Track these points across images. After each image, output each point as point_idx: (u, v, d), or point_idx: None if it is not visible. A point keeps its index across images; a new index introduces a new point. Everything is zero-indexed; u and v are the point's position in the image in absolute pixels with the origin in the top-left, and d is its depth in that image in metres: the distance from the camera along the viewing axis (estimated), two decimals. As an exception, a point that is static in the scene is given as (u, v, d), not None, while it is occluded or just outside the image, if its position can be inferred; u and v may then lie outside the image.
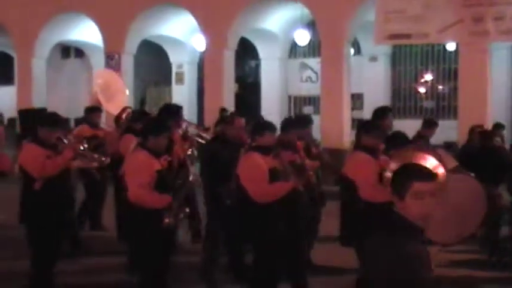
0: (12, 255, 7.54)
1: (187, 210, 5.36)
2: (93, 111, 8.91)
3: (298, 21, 16.93)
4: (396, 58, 17.49)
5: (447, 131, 13.89)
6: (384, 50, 16.99)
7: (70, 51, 22.00)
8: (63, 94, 19.81)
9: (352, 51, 15.78)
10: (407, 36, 13.17)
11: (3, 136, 13.48)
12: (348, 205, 5.49)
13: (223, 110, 12.39)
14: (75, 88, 20.98)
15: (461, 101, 13.18)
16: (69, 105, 19.48)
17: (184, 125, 7.08)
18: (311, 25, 16.18)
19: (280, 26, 17.49)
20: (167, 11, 16.76)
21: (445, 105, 16.33)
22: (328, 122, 13.83)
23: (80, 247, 7.76)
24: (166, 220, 5.06)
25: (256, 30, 17.26)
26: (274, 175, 5.27)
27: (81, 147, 6.21)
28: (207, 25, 15.78)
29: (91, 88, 16.24)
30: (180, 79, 19.69)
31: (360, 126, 5.95)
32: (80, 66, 21.67)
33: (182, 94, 19.40)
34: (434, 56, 16.64)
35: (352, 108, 15.26)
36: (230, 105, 15.55)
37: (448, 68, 16.41)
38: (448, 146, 12.98)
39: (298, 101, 18.82)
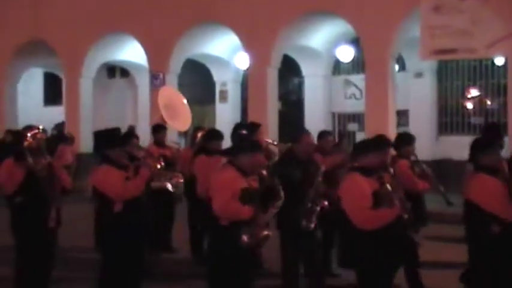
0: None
1: (268, 233, 5.06)
2: (159, 130, 8.85)
3: (341, 38, 17.02)
4: (442, 74, 17.29)
5: (496, 147, 13.70)
6: (429, 66, 16.83)
7: (116, 71, 22.45)
8: (109, 113, 20.21)
9: (397, 67, 15.74)
10: (454, 51, 13.07)
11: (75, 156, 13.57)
12: (474, 231, 5.12)
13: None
14: (121, 107, 21.44)
15: (510, 117, 12.99)
16: (115, 124, 19.82)
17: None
18: (355, 41, 16.23)
19: (323, 43, 17.54)
20: (210, 29, 17.04)
21: (494, 121, 16.07)
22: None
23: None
24: (245, 238, 4.90)
25: (299, 48, 17.35)
26: (377, 199, 4.88)
27: (158, 166, 6.15)
28: (250, 43, 16.01)
29: (152, 107, 16.65)
30: (223, 97, 19.88)
31: (474, 145, 5.52)
32: (125, 86, 22.10)
33: (226, 112, 19.59)
34: (482, 71, 16.41)
35: (398, 125, 15.18)
36: (274, 123, 15.72)
37: (496, 83, 16.16)
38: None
39: (342, 118, 18.79)
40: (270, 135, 12.62)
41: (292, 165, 6.18)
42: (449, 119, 17.17)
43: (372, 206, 4.82)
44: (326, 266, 7.38)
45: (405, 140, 7.01)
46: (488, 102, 16.56)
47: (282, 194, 5.22)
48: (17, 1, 19.68)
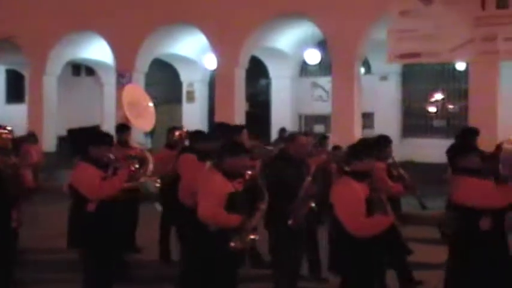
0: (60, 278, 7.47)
1: (255, 237, 5.06)
2: (123, 129, 8.64)
3: (308, 41, 17.15)
4: (407, 77, 17.65)
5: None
6: (394, 69, 17.15)
7: (81, 69, 22.23)
8: (74, 112, 19.98)
9: (362, 70, 15.96)
10: (418, 55, 13.33)
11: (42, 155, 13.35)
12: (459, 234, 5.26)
13: (282, 130, 12.65)
14: (86, 106, 21.15)
15: (471, 120, 13.26)
16: (79, 123, 19.64)
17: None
18: (322, 44, 16.39)
19: (290, 45, 17.68)
20: (178, 29, 17.01)
21: (455, 124, 16.48)
22: (340, 141, 13.94)
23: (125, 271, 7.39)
24: (233, 244, 4.90)
25: (267, 49, 17.45)
26: (370, 206, 4.82)
27: (133, 168, 6.10)
28: (218, 44, 15.99)
29: (118, 106, 16.53)
30: (191, 98, 19.89)
31: (454, 150, 5.71)
32: (91, 84, 21.89)
33: (193, 112, 19.60)
34: (445, 75, 16.80)
35: (363, 127, 15.41)
36: (241, 124, 15.74)
37: (458, 88, 16.56)
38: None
39: (309, 120, 18.99)
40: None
41: (286, 165, 6.20)
42: (413, 121, 17.51)
43: (366, 213, 4.77)
44: (313, 269, 7.38)
45: (382, 142, 7.08)
46: (450, 106, 16.98)
47: (265, 194, 5.22)
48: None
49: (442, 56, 13.24)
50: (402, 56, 13.70)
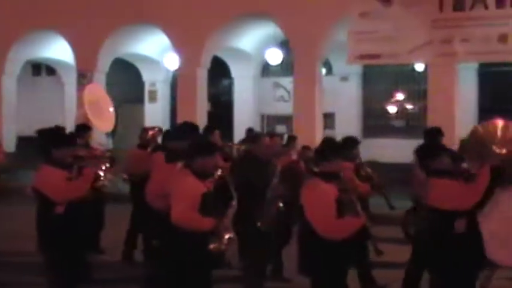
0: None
1: (231, 235, 5.00)
2: (83, 130, 8.50)
3: (270, 41, 17.21)
4: (367, 78, 17.81)
5: (417, 149, 14.22)
6: (355, 70, 17.28)
7: (41, 68, 21.92)
8: (34, 112, 19.71)
9: (324, 71, 16.06)
10: (378, 56, 13.45)
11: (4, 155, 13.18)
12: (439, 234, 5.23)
13: (250, 130, 12.60)
14: (47, 106, 20.87)
15: (429, 120, 13.39)
16: (40, 123, 19.35)
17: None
18: (284, 44, 16.44)
19: (252, 45, 17.69)
20: (140, 29, 16.88)
21: (414, 125, 16.69)
22: (301, 141, 13.98)
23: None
24: (212, 246, 4.86)
25: (229, 49, 17.43)
26: (340, 207, 4.74)
27: (104, 167, 6.03)
28: (180, 44, 15.93)
29: (77, 105, 16.34)
30: (153, 97, 19.78)
31: (422, 152, 5.73)
32: (52, 84, 21.58)
33: (155, 112, 19.48)
34: (405, 76, 16.99)
35: (324, 127, 15.50)
36: (203, 124, 15.54)
37: (417, 88, 16.76)
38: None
39: (271, 120, 19.02)
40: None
41: (252, 165, 6.21)
42: (374, 122, 17.68)
43: (337, 215, 4.71)
44: (277, 269, 7.39)
45: (350, 143, 7.14)
46: (410, 107, 17.19)
47: (234, 193, 5.21)
48: None
49: (401, 57, 13.37)
50: (362, 57, 13.81)
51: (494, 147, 5.34)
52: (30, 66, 20.87)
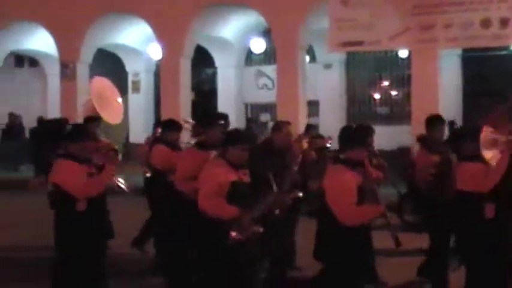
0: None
1: (258, 229, 4.89)
2: (91, 121, 8.13)
3: (253, 29, 17.08)
4: (350, 65, 17.71)
5: (400, 136, 14.14)
6: (338, 58, 17.20)
7: (24, 60, 21.69)
8: (17, 103, 19.50)
9: (308, 58, 15.93)
10: (360, 43, 13.35)
11: None
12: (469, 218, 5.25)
13: (250, 120, 12.26)
14: (29, 97, 20.70)
15: (414, 106, 13.41)
16: (22, 114, 19.20)
17: None
18: (266, 33, 16.30)
19: (235, 33, 17.56)
20: (122, 19, 16.71)
21: (398, 111, 16.61)
22: (284, 129, 13.91)
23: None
24: (233, 234, 4.77)
25: (211, 38, 17.30)
26: (361, 194, 4.79)
27: (117, 161, 5.88)
28: (162, 33, 15.76)
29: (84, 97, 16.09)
30: (136, 88, 19.60)
31: (460, 134, 5.70)
32: (34, 76, 21.38)
33: (139, 103, 19.35)
34: (388, 63, 16.90)
35: (308, 115, 15.38)
36: (187, 113, 15.47)
37: (401, 75, 16.67)
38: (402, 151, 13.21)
39: (254, 109, 18.90)
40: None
41: (270, 154, 6.12)
42: (358, 109, 17.60)
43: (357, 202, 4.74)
44: (289, 257, 7.23)
45: (366, 131, 6.91)
46: (394, 93, 17.11)
47: (274, 188, 5.18)
48: None
49: (382, 44, 13.28)
50: (344, 45, 13.70)
51: None
52: (12, 57, 20.63)
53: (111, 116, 8.69)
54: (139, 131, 18.19)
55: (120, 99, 8.99)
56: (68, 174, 5.29)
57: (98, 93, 8.71)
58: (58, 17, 16.64)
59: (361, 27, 13.09)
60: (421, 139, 6.59)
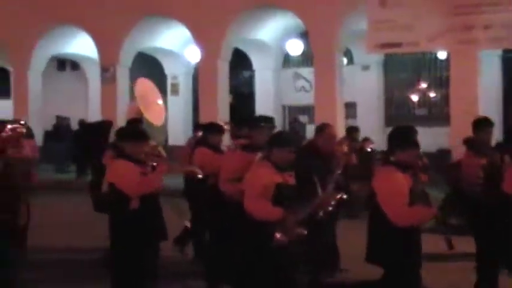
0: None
1: (303, 231, 4.83)
2: (135, 123, 8.08)
3: (291, 32, 17.11)
4: (388, 67, 17.62)
5: (439, 138, 13.98)
6: (376, 59, 17.12)
7: (66, 64, 22.11)
8: (60, 106, 19.88)
9: (345, 60, 15.89)
10: (398, 45, 13.33)
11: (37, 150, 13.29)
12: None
13: (294, 121, 12.17)
14: (71, 100, 21.07)
15: (453, 108, 13.30)
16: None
17: None
18: (304, 35, 16.31)
19: (273, 36, 17.61)
20: (161, 23, 16.93)
21: (436, 112, 16.45)
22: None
23: None
24: (278, 236, 4.72)
25: (249, 41, 17.39)
26: (412, 196, 4.73)
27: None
28: (200, 36, 15.92)
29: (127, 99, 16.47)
30: (175, 90, 19.77)
31: None
32: (76, 79, 21.78)
33: (177, 105, 19.50)
34: (426, 64, 16.76)
35: (346, 117, 15.34)
36: (225, 116, 15.52)
37: (439, 76, 16.50)
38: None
39: (292, 111, 18.91)
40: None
41: (314, 156, 6.04)
42: (395, 111, 17.49)
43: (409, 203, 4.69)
44: (335, 259, 7.13)
45: (411, 133, 6.98)
46: (432, 95, 16.94)
47: (319, 190, 5.13)
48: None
49: (421, 45, 13.23)
50: (382, 46, 13.68)
51: None
52: (55, 61, 21.02)
53: (154, 117, 8.76)
54: (178, 133, 18.39)
55: (160, 101, 9.06)
56: (122, 173, 5.37)
57: (141, 95, 8.79)
58: (98, 21, 16.93)
59: (399, 28, 13.05)
60: (467, 141, 6.43)
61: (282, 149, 4.93)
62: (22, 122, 6.66)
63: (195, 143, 7.86)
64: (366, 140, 10.54)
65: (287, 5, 14.74)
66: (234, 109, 16.82)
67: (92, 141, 9.42)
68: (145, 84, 9.09)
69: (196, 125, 9.54)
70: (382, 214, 4.70)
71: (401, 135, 5.11)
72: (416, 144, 4.96)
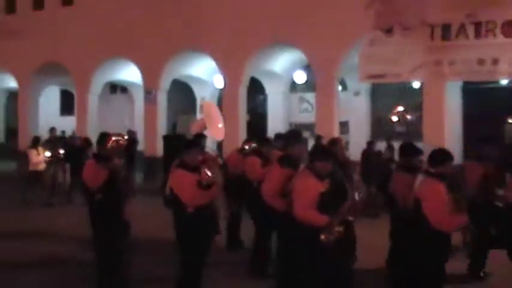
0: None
1: (341, 229, 4.65)
2: (201, 137, 7.90)
3: (297, 64, 17.21)
4: (375, 93, 17.71)
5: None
6: (365, 87, 17.16)
7: (117, 88, 22.27)
8: (111, 123, 20.21)
9: (340, 87, 16.04)
10: (384, 76, 13.44)
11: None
12: None
13: (319, 138, 11.81)
14: (121, 118, 21.27)
15: (424, 127, 13.42)
16: (116, 132, 19.74)
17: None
18: (307, 67, 16.44)
19: (282, 67, 17.71)
20: (193, 56, 17.08)
21: (412, 130, 16.65)
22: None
23: None
24: (323, 236, 4.58)
25: (263, 71, 17.49)
26: (454, 204, 4.63)
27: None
28: (224, 67, 16.05)
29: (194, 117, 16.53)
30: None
31: None
32: (125, 100, 21.99)
33: (205, 122, 19.63)
34: (404, 92, 16.92)
35: (341, 133, 15.55)
36: (243, 132, 15.72)
37: (415, 102, 16.70)
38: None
39: (298, 128, 19.09)
40: (240, 142, 12.91)
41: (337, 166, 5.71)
42: (380, 128, 17.66)
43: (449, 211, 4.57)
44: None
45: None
46: (409, 116, 17.14)
47: (349, 192, 4.90)
48: (35, 29, 19.47)
49: (402, 76, 13.32)
50: (371, 77, 13.77)
51: None
52: (108, 86, 21.20)
53: (216, 133, 8.45)
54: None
55: (221, 125, 8.60)
56: (181, 183, 5.19)
57: (207, 115, 8.59)
58: (143, 53, 17.15)
59: (384, 62, 13.15)
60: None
61: (325, 162, 4.84)
62: (125, 137, 6.37)
63: (250, 151, 7.37)
64: (371, 142, 11.20)
65: (295, 43, 14.93)
66: (250, 126, 16.85)
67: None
68: (212, 109, 9.03)
69: (247, 139, 8.78)
70: (423, 219, 4.59)
71: (441, 153, 4.99)
72: (453, 158, 4.90)
